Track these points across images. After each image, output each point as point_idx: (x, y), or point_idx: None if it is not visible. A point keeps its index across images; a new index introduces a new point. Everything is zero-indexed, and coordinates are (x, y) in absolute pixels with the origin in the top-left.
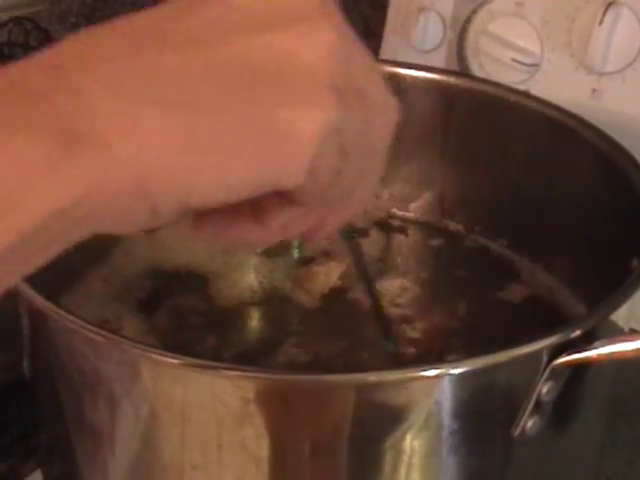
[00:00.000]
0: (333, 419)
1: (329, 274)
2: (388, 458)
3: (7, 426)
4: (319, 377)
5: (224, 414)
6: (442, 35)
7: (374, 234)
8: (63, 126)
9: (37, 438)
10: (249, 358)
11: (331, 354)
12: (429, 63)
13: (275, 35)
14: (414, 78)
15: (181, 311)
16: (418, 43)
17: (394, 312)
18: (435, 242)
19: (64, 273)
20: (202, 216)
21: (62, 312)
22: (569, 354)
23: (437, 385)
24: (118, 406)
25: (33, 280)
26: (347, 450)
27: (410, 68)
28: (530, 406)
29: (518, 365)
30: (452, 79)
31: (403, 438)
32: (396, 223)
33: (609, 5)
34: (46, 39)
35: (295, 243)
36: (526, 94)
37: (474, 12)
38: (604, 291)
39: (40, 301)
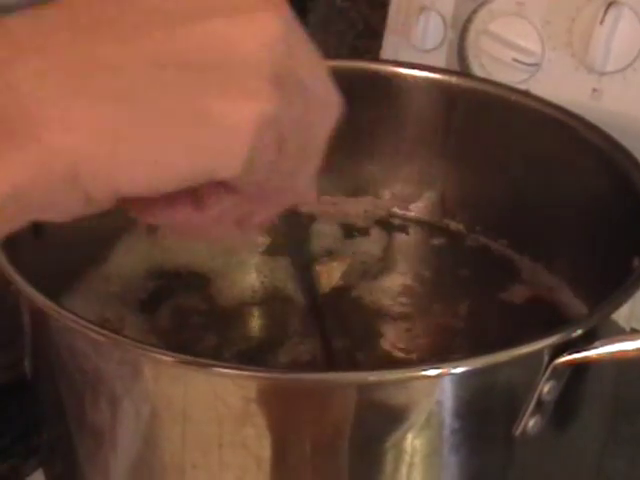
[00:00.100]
0: (334, 418)
1: (331, 273)
2: (389, 457)
3: (8, 426)
4: (320, 376)
5: (225, 413)
6: (443, 35)
7: (375, 233)
8: None
9: (38, 438)
10: (250, 357)
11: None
12: (430, 63)
13: (216, 23)
14: (415, 78)
15: (182, 311)
16: (419, 43)
17: (395, 311)
18: (436, 242)
19: (65, 273)
20: (142, 199)
21: (63, 311)
22: (570, 353)
23: (438, 384)
24: (119, 405)
25: (34, 279)
26: (348, 449)
27: (411, 68)
28: (531, 405)
29: (519, 364)
30: (453, 79)
31: (404, 437)
32: (397, 222)
33: (610, 5)
34: None
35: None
36: (527, 94)
37: (475, 12)
38: (605, 291)
39: (41, 300)
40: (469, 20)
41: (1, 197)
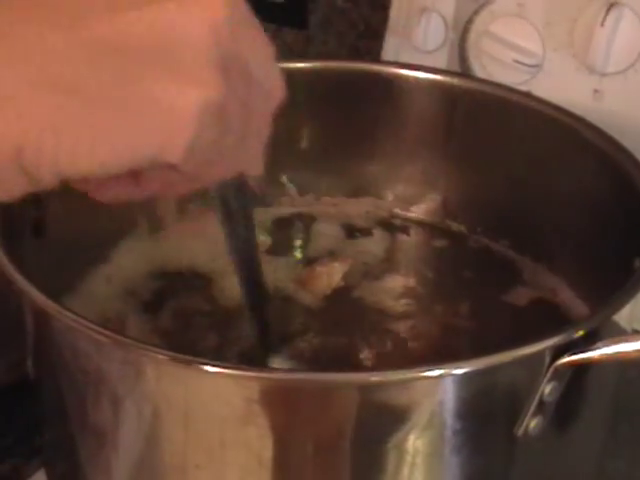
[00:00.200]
0: (336, 419)
1: (332, 274)
2: (391, 458)
3: (10, 426)
4: (322, 377)
5: (227, 414)
6: (444, 36)
7: (376, 234)
8: None
9: (40, 438)
10: (252, 358)
11: (334, 354)
12: (431, 64)
13: (161, 8)
14: (416, 79)
15: (184, 311)
16: (420, 44)
17: (397, 312)
18: (437, 243)
19: (67, 273)
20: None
21: (66, 312)
22: (572, 354)
23: (440, 385)
24: (121, 406)
25: (35, 280)
26: (350, 450)
27: (412, 69)
28: (533, 406)
29: (521, 365)
30: (454, 80)
31: (406, 438)
32: (398, 223)
33: (611, 6)
34: None
35: (298, 243)
36: (528, 95)
37: (476, 13)
38: (606, 292)
39: (43, 300)
40: (470, 21)
41: None
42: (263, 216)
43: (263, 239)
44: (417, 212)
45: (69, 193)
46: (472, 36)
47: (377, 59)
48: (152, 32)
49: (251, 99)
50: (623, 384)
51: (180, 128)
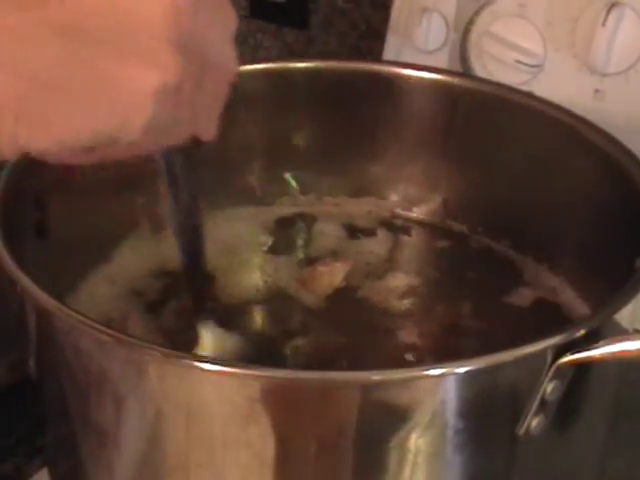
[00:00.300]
0: (338, 418)
1: (333, 274)
2: (393, 457)
3: (12, 425)
4: (324, 376)
5: (229, 413)
6: (445, 36)
7: (378, 234)
8: None
9: (42, 438)
10: (253, 357)
11: (336, 354)
12: (432, 64)
13: None
14: (417, 79)
15: (186, 310)
16: (421, 44)
17: (399, 312)
18: (439, 243)
19: (69, 273)
20: None
21: (69, 311)
22: (573, 353)
23: (442, 384)
24: (124, 405)
25: (38, 279)
26: (352, 449)
27: (413, 69)
28: (535, 405)
29: (523, 364)
30: (455, 80)
31: (408, 437)
32: (400, 223)
33: (612, 6)
34: None
35: (300, 243)
36: (529, 95)
37: (477, 13)
38: (608, 292)
39: (46, 300)
40: (471, 21)
41: None
42: (265, 215)
43: (265, 239)
44: (418, 212)
45: (71, 194)
46: (473, 36)
47: (378, 59)
48: (112, 14)
49: (205, 77)
50: (624, 384)
51: (138, 109)
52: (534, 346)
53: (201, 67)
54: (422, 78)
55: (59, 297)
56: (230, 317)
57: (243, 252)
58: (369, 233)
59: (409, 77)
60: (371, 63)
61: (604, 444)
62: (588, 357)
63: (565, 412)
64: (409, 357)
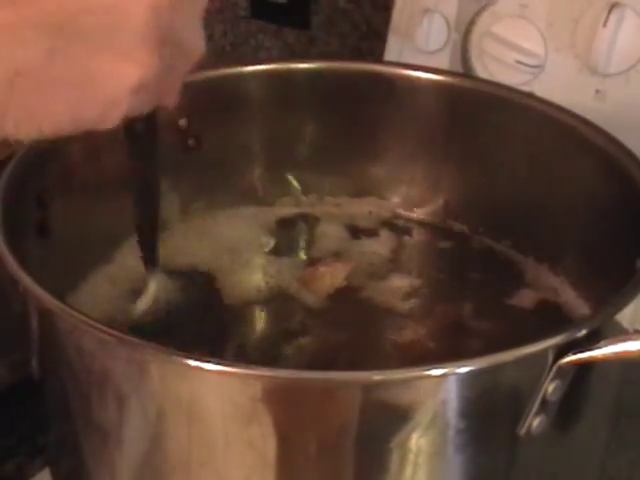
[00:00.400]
0: (340, 418)
1: (335, 275)
2: (394, 457)
3: (13, 425)
4: (326, 376)
5: (231, 412)
6: (446, 37)
7: (379, 234)
8: None
9: (44, 438)
10: (255, 357)
11: (337, 354)
12: (433, 65)
13: None
14: (418, 79)
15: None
16: (422, 44)
17: (400, 312)
18: (440, 243)
19: (71, 273)
20: None
21: (71, 311)
22: (575, 353)
23: (443, 384)
24: (126, 404)
25: (40, 280)
26: (353, 449)
27: (414, 69)
28: (536, 405)
29: (524, 364)
30: (456, 80)
31: (409, 437)
32: (401, 224)
33: (613, 6)
34: None
35: (302, 244)
36: (530, 95)
37: (478, 14)
38: (609, 292)
39: (49, 300)
40: (472, 22)
41: None
42: (266, 216)
43: (266, 239)
44: (419, 212)
45: (72, 194)
46: (474, 37)
47: (379, 60)
48: (95, 12)
49: (176, 60)
50: (625, 385)
51: (116, 102)
52: (535, 346)
53: (173, 53)
54: (423, 79)
55: (61, 297)
56: (231, 317)
57: (244, 252)
58: (370, 233)
59: (410, 78)
60: (372, 64)
61: (605, 444)
62: (589, 357)
63: (566, 412)
64: (410, 357)
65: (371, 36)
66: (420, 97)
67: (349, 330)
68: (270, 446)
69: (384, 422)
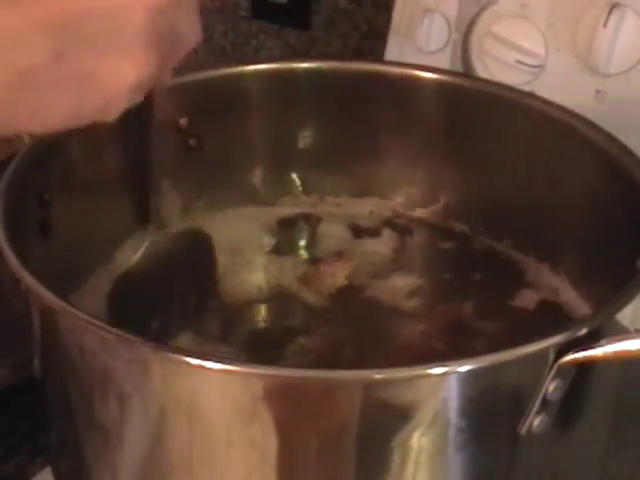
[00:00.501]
0: (341, 416)
1: (336, 274)
2: (395, 455)
3: (15, 425)
4: (327, 374)
5: (233, 411)
6: (447, 36)
7: (381, 234)
8: None
9: (45, 437)
10: (257, 356)
11: (338, 353)
12: (434, 64)
13: None
14: (419, 79)
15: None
16: (423, 44)
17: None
18: (440, 243)
19: (72, 273)
20: None
21: (73, 310)
22: (575, 352)
23: (444, 383)
24: (128, 403)
25: (42, 279)
26: (355, 447)
27: (415, 69)
28: (537, 404)
29: (525, 363)
30: (457, 80)
31: (410, 436)
32: (402, 223)
33: (613, 7)
34: None
35: (304, 243)
36: (531, 95)
37: (479, 14)
38: (609, 291)
39: (51, 298)
40: (473, 22)
41: None
42: (267, 216)
43: (267, 239)
44: (420, 212)
45: (74, 193)
46: (475, 37)
47: (380, 60)
48: (97, 14)
49: (173, 49)
50: (626, 384)
51: (117, 99)
52: (536, 345)
53: (171, 44)
54: (424, 78)
55: (62, 296)
56: (233, 317)
57: (245, 252)
58: (372, 233)
59: (411, 77)
60: (373, 63)
61: (606, 443)
62: (590, 356)
63: (567, 411)
64: (412, 357)
65: (372, 36)
66: (421, 97)
67: (351, 329)
68: (271, 445)
69: (385, 421)
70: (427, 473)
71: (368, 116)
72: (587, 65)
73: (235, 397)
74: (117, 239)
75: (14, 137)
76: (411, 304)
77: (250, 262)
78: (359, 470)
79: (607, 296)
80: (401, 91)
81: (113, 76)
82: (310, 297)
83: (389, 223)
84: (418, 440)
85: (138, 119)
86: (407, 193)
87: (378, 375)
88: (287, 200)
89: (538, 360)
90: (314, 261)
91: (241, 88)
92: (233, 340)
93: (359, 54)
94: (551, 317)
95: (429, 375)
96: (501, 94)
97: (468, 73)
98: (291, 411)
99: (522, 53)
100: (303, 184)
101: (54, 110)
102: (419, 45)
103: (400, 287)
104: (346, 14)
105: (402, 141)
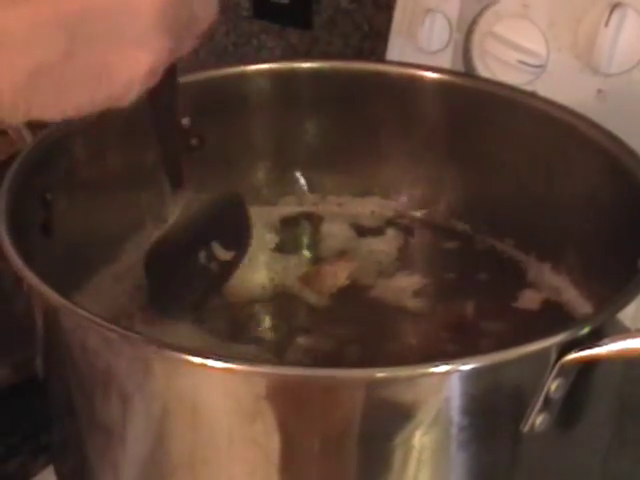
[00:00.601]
0: (343, 415)
1: (337, 273)
2: (398, 454)
3: (17, 424)
4: (329, 373)
5: (235, 410)
6: (448, 36)
7: (383, 234)
8: None
9: (47, 436)
10: (259, 354)
11: (340, 352)
12: (435, 64)
13: None
14: (421, 79)
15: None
16: (424, 44)
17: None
18: (442, 242)
19: (74, 272)
20: None
21: (76, 308)
22: (577, 351)
23: (447, 381)
24: (130, 402)
25: (44, 278)
26: (357, 446)
27: (417, 69)
28: (539, 403)
29: (527, 362)
30: (459, 80)
31: (413, 434)
32: (403, 223)
33: (615, 6)
34: None
35: (306, 242)
36: (533, 94)
37: (480, 14)
38: (611, 291)
39: (54, 297)
40: (474, 22)
41: None
42: (270, 215)
43: (270, 238)
44: (422, 212)
45: (77, 192)
46: (476, 37)
47: (382, 59)
48: (110, 6)
49: (189, 28)
50: (628, 383)
51: (132, 86)
52: (538, 344)
53: (186, 26)
54: (426, 78)
55: (65, 296)
56: (237, 315)
57: (249, 251)
58: (374, 232)
59: (413, 77)
60: (375, 63)
61: (608, 442)
62: (592, 355)
63: (569, 410)
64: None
65: (373, 36)
66: (423, 96)
67: (353, 328)
68: (274, 443)
69: (388, 419)
70: (429, 471)
71: (369, 116)
72: (588, 65)
73: (237, 396)
74: (119, 238)
75: (16, 137)
76: (415, 304)
77: (253, 260)
78: (361, 468)
79: (608, 295)
80: (403, 91)
81: (127, 65)
82: (312, 296)
83: (391, 222)
84: (420, 438)
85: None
86: (408, 193)
87: (380, 374)
88: (289, 199)
89: (540, 359)
90: (318, 260)
91: (242, 88)
92: (235, 337)
93: (360, 54)
94: (553, 316)
95: (431, 374)
96: (503, 94)
97: (470, 73)
98: (293, 410)
99: (523, 53)
100: (304, 183)
101: (69, 100)
102: (420, 45)
103: (404, 287)
104: (347, 14)
105: (403, 141)
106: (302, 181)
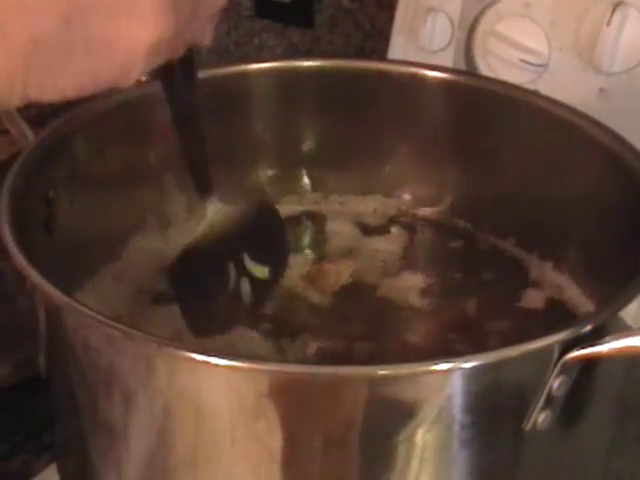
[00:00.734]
0: (346, 413)
1: (340, 272)
2: (400, 452)
3: (19, 423)
4: (332, 370)
5: (238, 407)
6: (450, 36)
7: (384, 232)
8: None
9: (50, 435)
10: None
11: (344, 350)
12: (437, 64)
13: None
14: (424, 77)
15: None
16: (426, 43)
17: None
18: (444, 241)
19: (77, 271)
20: None
21: (79, 306)
22: (580, 349)
23: (449, 379)
24: (133, 400)
25: (47, 277)
26: (359, 443)
27: (419, 67)
28: (541, 401)
29: (529, 360)
30: (461, 78)
31: (415, 432)
32: (405, 221)
33: (617, 5)
34: None
35: (310, 241)
36: (535, 93)
37: (482, 13)
38: (613, 289)
39: (57, 295)
40: (476, 21)
41: None
42: None
43: None
44: (424, 210)
45: (79, 191)
46: (478, 36)
47: (384, 58)
48: None
49: (194, 10)
50: (630, 381)
51: (133, 63)
52: (541, 342)
53: (192, 6)
54: (429, 77)
55: (67, 294)
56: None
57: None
58: (378, 231)
59: (416, 76)
60: (377, 62)
61: (610, 440)
62: (594, 353)
63: (571, 408)
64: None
65: (375, 35)
66: (425, 95)
67: (355, 327)
68: (277, 441)
69: (390, 417)
70: (432, 469)
71: (371, 114)
72: (590, 64)
73: (240, 393)
74: (122, 237)
75: (17, 136)
76: (420, 303)
77: None
78: (364, 466)
79: (611, 294)
80: (405, 89)
81: (126, 40)
82: (314, 295)
83: (393, 221)
84: (423, 436)
85: (180, 83)
86: (411, 191)
87: (383, 371)
88: (291, 198)
89: (543, 357)
90: (322, 258)
91: (244, 87)
92: (237, 336)
93: (362, 53)
94: (555, 314)
95: (434, 371)
96: (505, 93)
97: (472, 72)
98: (296, 407)
99: (525, 52)
100: (306, 182)
101: (67, 76)
102: (422, 44)
103: (410, 286)
104: (349, 13)
105: (406, 139)
106: (305, 180)
